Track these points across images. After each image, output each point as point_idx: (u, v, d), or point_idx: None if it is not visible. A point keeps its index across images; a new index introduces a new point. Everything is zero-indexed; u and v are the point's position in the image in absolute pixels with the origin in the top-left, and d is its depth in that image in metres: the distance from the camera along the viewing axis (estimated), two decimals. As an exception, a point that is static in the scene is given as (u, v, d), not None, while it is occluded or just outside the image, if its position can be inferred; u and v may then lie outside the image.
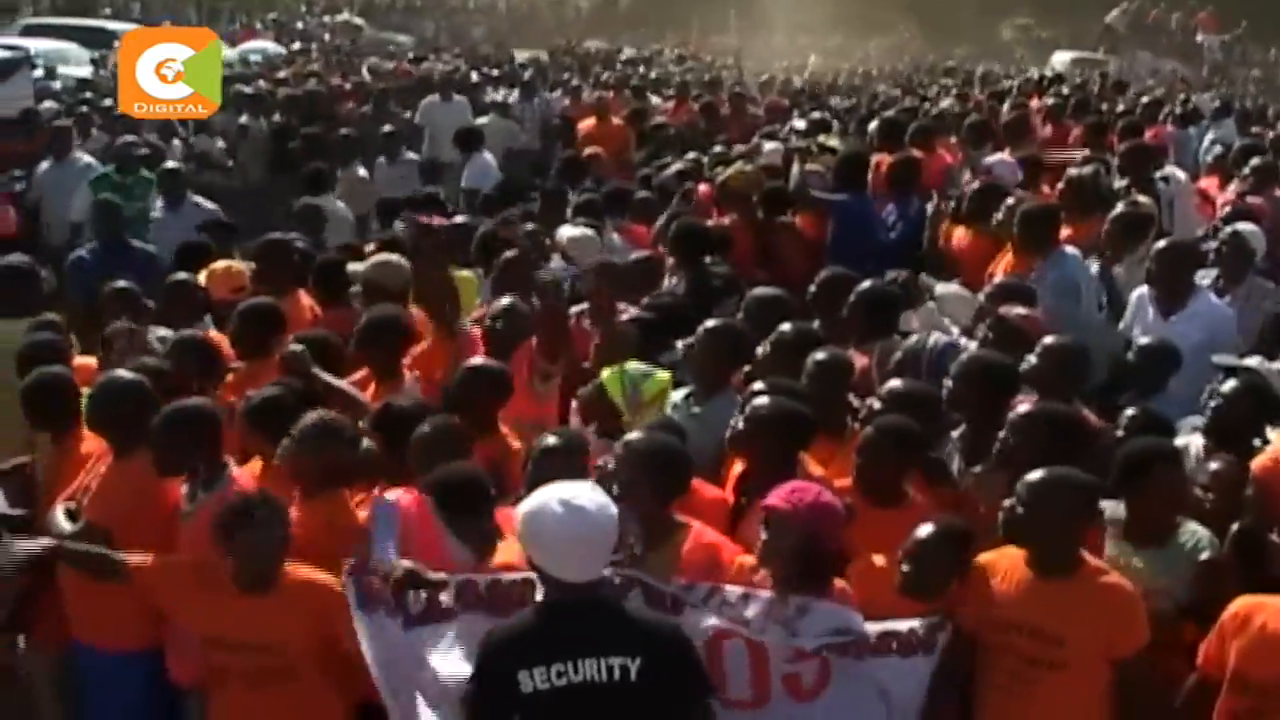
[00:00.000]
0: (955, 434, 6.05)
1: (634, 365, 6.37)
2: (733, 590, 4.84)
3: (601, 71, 26.84)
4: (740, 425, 5.64)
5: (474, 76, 24.06)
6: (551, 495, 4.35)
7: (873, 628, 4.81)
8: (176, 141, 15.42)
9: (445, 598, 4.90)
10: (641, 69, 29.59)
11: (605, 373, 6.35)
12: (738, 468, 5.84)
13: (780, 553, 4.79)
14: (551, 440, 5.55)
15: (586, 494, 4.37)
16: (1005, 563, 4.87)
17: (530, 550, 4.40)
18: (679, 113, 18.89)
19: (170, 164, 12.39)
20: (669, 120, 17.60)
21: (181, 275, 8.26)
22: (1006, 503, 4.82)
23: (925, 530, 4.91)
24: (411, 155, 15.47)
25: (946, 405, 5.98)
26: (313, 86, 20.95)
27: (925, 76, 31.23)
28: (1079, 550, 4.80)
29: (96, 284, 8.45)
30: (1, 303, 7.88)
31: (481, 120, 17.48)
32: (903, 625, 4.84)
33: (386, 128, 15.96)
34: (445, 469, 5.38)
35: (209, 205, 11.59)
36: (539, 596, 4.55)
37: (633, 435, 5.38)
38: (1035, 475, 4.81)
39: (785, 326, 6.71)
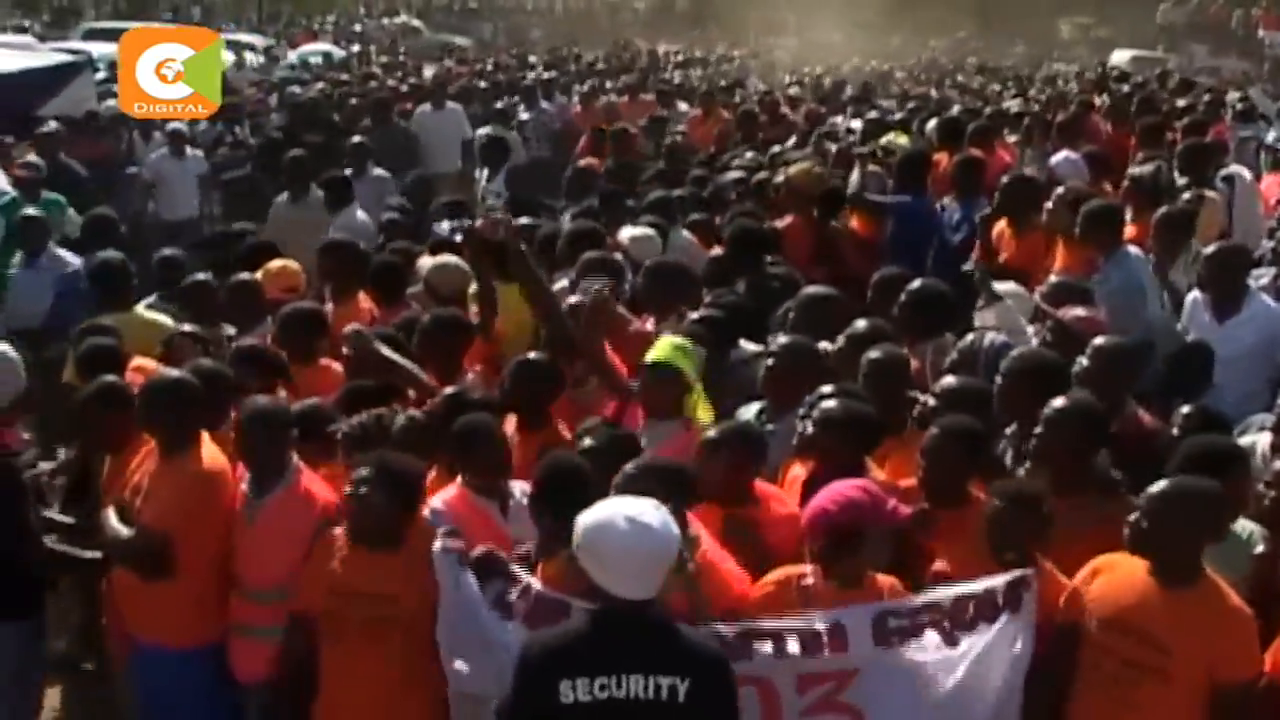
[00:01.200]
0: (1008, 431, 6.02)
1: (675, 339, 6.33)
2: (769, 623, 4.83)
3: (647, 74, 26.18)
4: (809, 428, 5.64)
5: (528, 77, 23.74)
6: (617, 510, 4.26)
7: (946, 592, 4.81)
8: (192, 151, 14.70)
9: (514, 595, 4.94)
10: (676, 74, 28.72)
11: (659, 353, 6.22)
12: (795, 471, 5.83)
13: (819, 556, 4.88)
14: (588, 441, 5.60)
15: (651, 511, 4.26)
16: (1127, 565, 4.75)
17: (587, 563, 4.28)
18: (705, 120, 17.85)
19: (30, 211, 11.01)
20: (692, 128, 17.07)
21: (244, 276, 8.28)
22: (1131, 517, 4.69)
23: (1000, 489, 4.96)
24: (379, 172, 13.30)
25: (997, 403, 5.94)
26: (372, 87, 21.01)
27: (979, 77, 30.80)
28: (1201, 562, 4.65)
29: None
30: (105, 296, 8.47)
31: (483, 131, 16.39)
32: (979, 586, 4.79)
33: (355, 139, 14.22)
34: (556, 461, 5.35)
35: (71, 260, 10.06)
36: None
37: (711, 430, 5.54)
38: (1160, 486, 4.70)
39: (860, 323, 6.70)
